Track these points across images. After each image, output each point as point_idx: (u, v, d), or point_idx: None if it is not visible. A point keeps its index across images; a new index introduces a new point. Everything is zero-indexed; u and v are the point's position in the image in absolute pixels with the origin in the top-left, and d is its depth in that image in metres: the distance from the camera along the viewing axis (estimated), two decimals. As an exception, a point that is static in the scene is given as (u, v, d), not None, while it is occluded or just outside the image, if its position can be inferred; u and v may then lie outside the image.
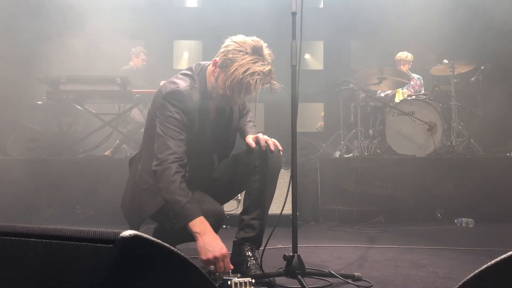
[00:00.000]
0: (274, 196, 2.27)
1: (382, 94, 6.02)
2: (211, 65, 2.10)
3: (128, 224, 2.24)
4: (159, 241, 0.83)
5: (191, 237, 1.97)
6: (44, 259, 0.85)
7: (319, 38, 8.04)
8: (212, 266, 1.83)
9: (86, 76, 5.00)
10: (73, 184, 4.51)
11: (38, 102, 5.29)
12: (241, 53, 1.96)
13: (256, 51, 1.98)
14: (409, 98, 5.38)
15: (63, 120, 5.31)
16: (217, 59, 2.05)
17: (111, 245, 0.77)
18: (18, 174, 4.49)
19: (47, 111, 5.21)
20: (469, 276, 1.06)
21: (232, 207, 4.05)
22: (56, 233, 0.85)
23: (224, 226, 4.10)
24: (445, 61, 5.57)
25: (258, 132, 2.25)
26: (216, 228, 2.02)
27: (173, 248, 0.86)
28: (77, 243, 0.80)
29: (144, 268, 0.79)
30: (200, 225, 1.88)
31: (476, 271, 1.05)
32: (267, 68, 1.98)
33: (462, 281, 1.08)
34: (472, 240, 3.50)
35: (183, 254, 0.90)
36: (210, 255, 1.82)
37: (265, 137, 2.16)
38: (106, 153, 5.57)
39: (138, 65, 6.44)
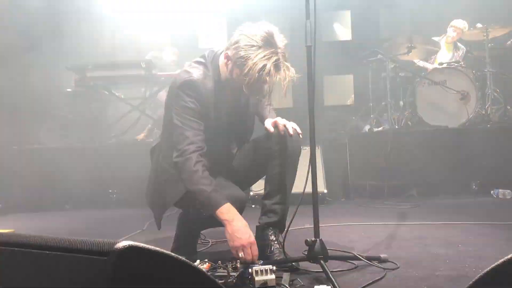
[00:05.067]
0: (303, 174, 2.22)
1: (421, 64, 5.73)
2: (223, 56, 2.04)
3: (152, 212, 2.27)
4: (156, 248, 0.82)
5: (217, 222, 1.97)
6: (40, 270, 0.86)
7: (346, 7, 7.76)
8: (240, 253, 1.85)
9: (111, 61, 5.06)
10: (105, 169, 4.69)
11: (68, 90, 5.41)
12: (253, 48, 1.89)
13: (268, 42, 1.90)
14: (440, 66, 5.17)
15: (93, 107, 5.41)
16: (229, 52, 2.00)
17: (105, 258, 0.77)
18: (53, 162, 4.66)
19: (76, 99, 5.32)
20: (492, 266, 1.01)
21: (261, 187, 4.03)
22: (52, 243, 0.86)
23: (253, 206, 4.13)
24: (479, 25, 5.30)
25: (276, 116, 2.21)
26: (239, 213, 2.02)
27: (171, 253, 0.85)
28: (73, 254, 0.81)
29: (142, 278, 0.79)
30: (227, 213, 1.89)
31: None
32: (284, 63, 1.92)
33: (478, 276, 1.03)
34: (508, 213, 3.38)
35: (182, 258, 0.89)
36: (238, 243, 1.85)
37: (284, 121, 2.11)
38: (138, 137, 5.65)
39: (168, 61, 6.37)
